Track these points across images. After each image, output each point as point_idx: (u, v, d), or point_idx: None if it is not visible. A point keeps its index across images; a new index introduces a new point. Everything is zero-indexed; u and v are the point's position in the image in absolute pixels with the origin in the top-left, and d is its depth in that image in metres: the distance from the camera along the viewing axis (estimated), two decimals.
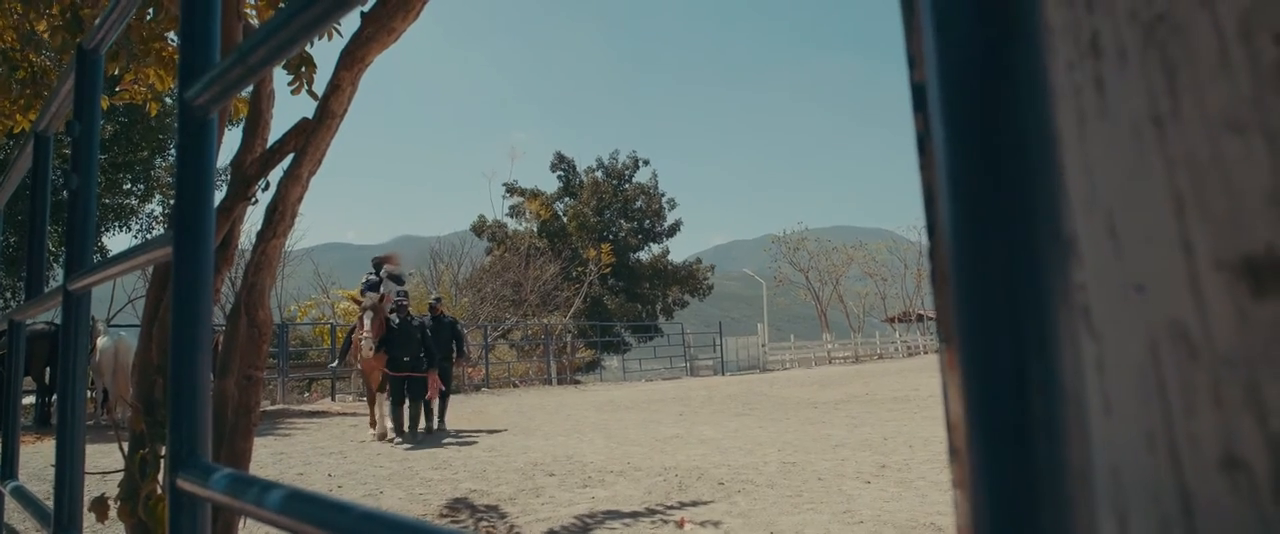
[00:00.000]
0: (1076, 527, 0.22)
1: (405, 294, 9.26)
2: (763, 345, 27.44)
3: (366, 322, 8.55)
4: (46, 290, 1.59)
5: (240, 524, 2.17)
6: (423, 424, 8.81)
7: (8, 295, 14.96)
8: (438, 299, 10.15)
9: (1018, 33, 0.24)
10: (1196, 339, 0.26)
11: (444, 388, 9.09)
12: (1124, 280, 0.28)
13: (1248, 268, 0.26)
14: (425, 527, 0.48)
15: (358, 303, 8.60)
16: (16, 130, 4.12)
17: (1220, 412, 0.26)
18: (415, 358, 8.57)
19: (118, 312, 18.58)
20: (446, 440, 8.06)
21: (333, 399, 14.01)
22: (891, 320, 42.42)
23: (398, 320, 8.73)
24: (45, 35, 3.81)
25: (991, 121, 0.24)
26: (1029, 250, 0.23)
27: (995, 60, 0.24)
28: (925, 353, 33.31)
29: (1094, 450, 0.28)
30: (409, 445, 7.61)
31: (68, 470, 1.27)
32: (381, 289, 9.08)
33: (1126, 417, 0.28)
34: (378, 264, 9.87)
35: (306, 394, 15.28)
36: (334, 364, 11.12)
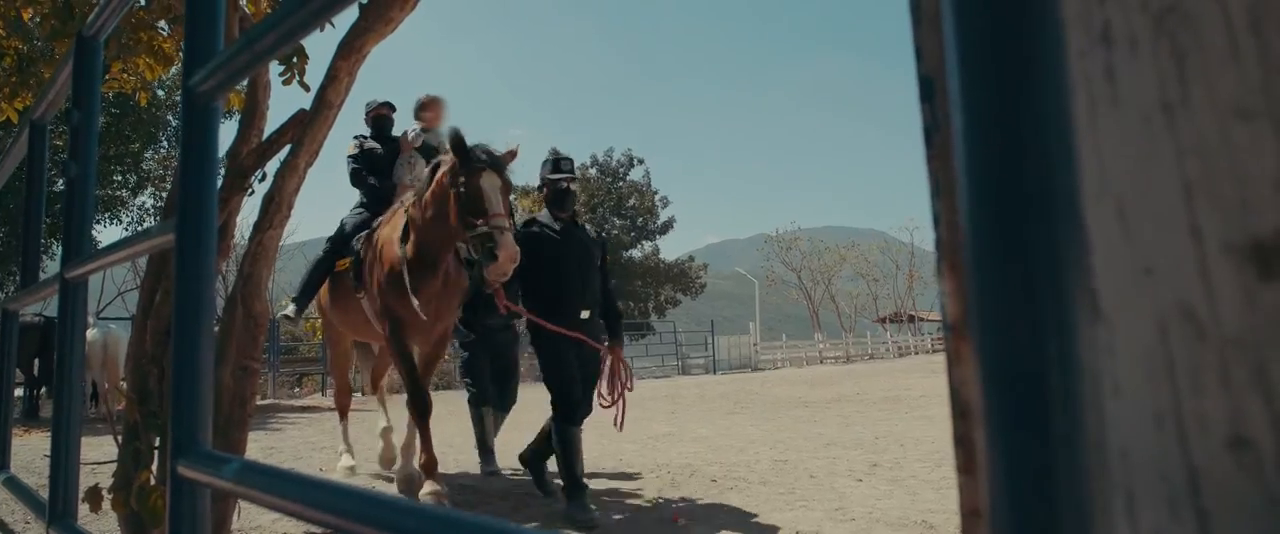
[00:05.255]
0: (1091, 505, 0.23)
1: (569, 163, 4.19)
2: (754, 344, 27.50)
3: (504, 233, 3.45)
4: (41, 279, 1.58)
5: (234, 514, 2.16)
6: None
7: None
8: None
9: (1032, 23, 0.25)
10: (1205, 321, 0.27)
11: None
12: (1133, 264, 0.29)
13: (1256, 252, 0.26)
14: (429, 511, 0.48)
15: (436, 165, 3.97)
16: (1, 119, 4.08)
17: (1228, 392, 0.26)
18: (597, 308, 4.10)
19: (107, 304, 18.47)
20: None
21: (323, 394, 13.95)
22: (883, 321, 42.59)
23: (560, 226, 4.00)
24: (32, 23, 3.78)
25: (1009, 111, 0.25)
26: (1046, 237, 0.24)
27: (1011, 50, 0.25)
28: (916, 353, 33.42)
29: (1104, 431, 0.29)
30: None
31: (63, 461, 1.27)
32: (400, 162, 4.74)
33: (1135, 397, 0.28)
34: (383, 119, 5.06)
35: (297, 389, 15.24)
36: (288, 310, 5.52)
